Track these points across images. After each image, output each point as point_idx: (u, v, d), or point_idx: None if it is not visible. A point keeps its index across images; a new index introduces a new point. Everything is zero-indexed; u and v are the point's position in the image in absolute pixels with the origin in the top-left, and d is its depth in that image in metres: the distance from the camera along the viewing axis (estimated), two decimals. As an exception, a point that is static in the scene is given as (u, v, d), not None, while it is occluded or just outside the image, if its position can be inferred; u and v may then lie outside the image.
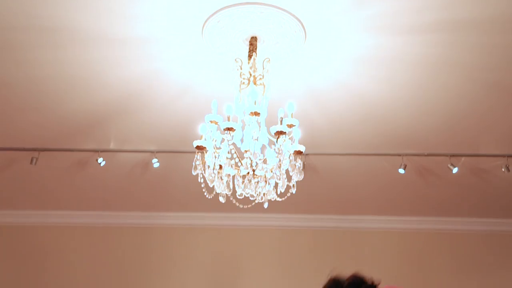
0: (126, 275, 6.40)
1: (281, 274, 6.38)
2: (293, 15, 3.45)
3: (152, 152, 5.30)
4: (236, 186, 3.47)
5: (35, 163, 5.18)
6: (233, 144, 3.31)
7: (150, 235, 6.62)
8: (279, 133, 3.19)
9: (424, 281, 6.30)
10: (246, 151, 3.25)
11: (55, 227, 6.64)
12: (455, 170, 5.13)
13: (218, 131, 3.36)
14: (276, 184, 3.52)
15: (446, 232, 6.54)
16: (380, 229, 6.59)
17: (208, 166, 3.33)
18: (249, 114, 3.21)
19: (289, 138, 3.29)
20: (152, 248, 6.56)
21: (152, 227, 6.64)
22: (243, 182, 3.45)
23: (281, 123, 3.21)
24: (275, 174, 3.35)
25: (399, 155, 5.19)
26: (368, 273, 6.63)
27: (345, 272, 2.53)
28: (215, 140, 3.35)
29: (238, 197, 3.69)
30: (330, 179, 5.75)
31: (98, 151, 5.26)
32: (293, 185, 3.48)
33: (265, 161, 3.39)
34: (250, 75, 3.50)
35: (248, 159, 3.23)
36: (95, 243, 6.59)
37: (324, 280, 2.68)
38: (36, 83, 4.25)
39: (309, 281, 6.38)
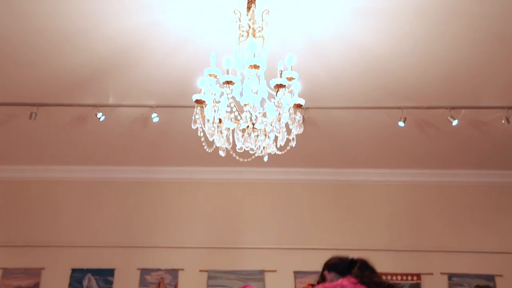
0: (127, 229, 6.50)
1: (280, 225, 6.47)
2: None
3: (151, 106, 5.29)
4: (236, 140, 3.47)
5: (35, 118, 5.17)
6: (233, 97, 3.29)
7: (151, 189, 6.68)
8: (279, 86, 3.17)
9: (421, 233, 6.39)
10: (245, 105, 3.23)
11: (55, 182, 6.70)
12: (455, 122, 5.12)
13: (218, 85, 3.33)
14: (276, 137, 3.52)
15: (444, 184, 6.60)
16: (379, 182, 6.64)
17: (208, 120, 3.32)
18: (249, 67, 3.18)
19: (289, 92, 3.26)
20: (153, 202, 6.63)
21: (153, 181, 6.70)
22: (242, 135, 3.45)
23: (280, 76, 3.18)
24: (275, 127, 3.35)
25: (399, 108, 5.18)
26: (367, 225, 6.73)
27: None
28: (215, 94, 3.32)
29: (238, 151, 3.69)
30: (329, 132, 5.75)
31: (97, 106, 5.24)
32: (293, 139, 3.49)
33: (264, 115, 3.38)
34: (249, 27, 3.44)
35: (248, 112, 3.21)
36: (96, 198, 6.66)
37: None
38: (34, 35, 4.19)
39: (307, 233, 6.51)
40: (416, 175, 6.59)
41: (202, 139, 3.53)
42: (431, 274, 6.18)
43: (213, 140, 3.49)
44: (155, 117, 5.27)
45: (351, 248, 6.26)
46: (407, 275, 6.20)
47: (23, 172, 6.68)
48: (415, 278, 6.18)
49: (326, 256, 6.25)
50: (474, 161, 6.33)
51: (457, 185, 6.59)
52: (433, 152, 6.11)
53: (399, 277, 6.19)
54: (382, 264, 6.19)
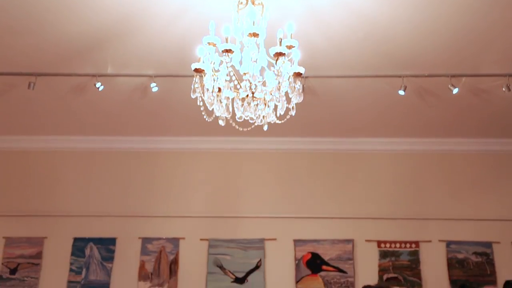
0: (128, 199, 6.54)
1: (280, 194, 6.51)
2: None
3: (150, 76, 5.25)
4: (235, 109, 3.47)
5: (33, 88, 5.15)
6: (232, 66, 3.27)
7: (152, 159, 6.69)
8: (278, 54, 3.14)
9: (420, 201, 6.43)
10: (245, 74, 3.21)
11: (56, 152, 6.71)
12: (455, 90, 5.10)
13: (217, 53, 3.31)
14: (276, 106, 3.52)
15: (444, 153, 6.61)
16: (379, 151, 6.65)
17: (207, 89, 3.31)
18: (248, 36, 3.15)
19: (289, 60, 3.24)
20: (154, 172, 6.66)
21: (154, 151, 6.71)
22: (242, 104, 3.44)
23: (280, 44, 3.15)
24: (275, 96, 3.34)
25: (399, 76, 5.15)
26: (366, 194, 6.76)
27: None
28: (214, 63, 3.30)
29: (238, 120, 3.69)
30: (329, 101, 5.73)
31: (96, 76, 5.21)
32: (293, 107, 3.48)
33: (264, 84, 3.36)
34: (248, -6, 3.40)
35: (247, 81, 3.20)
36: (96, 168, 6.68)
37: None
38: (33, 4, 4.13)
39: (307, 202, 6.55)
40: (415, 143, 6.59)
41: (202, 109, 3.52)
42: (430, 241, 6.24)
43: (213, 109, 3.48)
44: (154, 87, 5.24)
45: (350, 216, 6.35)
46: (405, 242, 6.27)
47: (24, 143, 6.69)
48: (413, 245, 6.25)
49: (325, 225, 6.35)
50: (474, 130, 6.33)
51: (457, 154, 6.60)
52: (433, 120, 6.10)
53: (397, 245, 6.25)
54: (381, 232, 6.30)
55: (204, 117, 3.60)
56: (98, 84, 5.19)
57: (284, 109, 3.43)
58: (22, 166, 6.69)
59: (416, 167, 6.59)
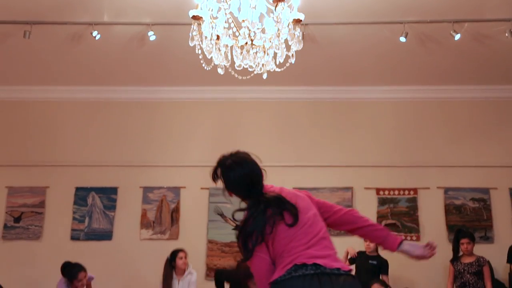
0: (129, 148, 6.56)
1: (280, 143, 6.53)
2: None
3: (147, 24, 5.17)
4: (234, 57, 3.43)
5: (29, 36, 5.08)
6: (230, 13, 3.21)
7: (153, 109, 6.68)
8: (278, 0, 3.08)
9: (419, 149, 6.45)
10: (243, 21, 3.16)
11: (56, 103, 6.69)
12: (457, 36, 5.03)
13: (215, 0, 3.24)
14: (275, 54, 3.48)
15: (444, 100, 6.58)
16: (379, 100, 6.62)
17: (205, 37, 3.26)
18: (246, -19, 3.08)
19: (288, 6, 3.18)
20: (154, 122, 6.65)
21: (154, 101, 6.68)
22: (241, 52, 3.40)
23: (279, -10, 3.09)
24: (274, 43, 3.30)
25: (401, 22, 5.07)
26: (366, 142, 6.77)
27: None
28: (212, 9, 3.24)
29: (237, 69, 3.66)
30: (329, 49, 5.66)
31: (92, 24, 5.13)
32: (292, 55, 3.44)
33: (263, 31, 3.31)
34: None
35: (246, 28, 3.15)
36: (98, 118, 6.68)
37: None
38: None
39: (307, 151, 6.58)
40: (416, 91, 6.56)
41: (200, 57, 3.49)
42: (428, 188, 6.31)
43: (211, 57, 3.45)
44: (151, 35, 5.17)
45: (349, 165, 6.39)
46: (404, 189, 6.33)
47: (24, 93, 6.66)
48: (412, 192, 6.32)
49: (325, 173, 6.40)
50: (475, 76, 6.28)
51: (457, 101, 6.58)
52: (433, 67, 6.05)
53: (396, 192, 6.32)
54: (380, 180, 6.36)
55: (203, 65, 3.57)
56: (94, 33, 5.12)
57: (284, 56, 3.39)
58: (22, 117, 6.69)
59: (415, 115, 6.58)
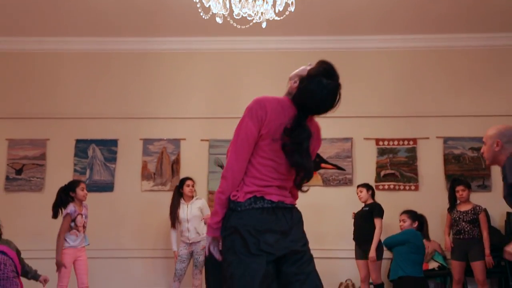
0: (129, 100, 6.54)
1: (281, 93, 6.49)
2: None
3: (144, -28, 5.07)
4: (233, 5, 3.38)
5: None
6: (228, -41, 3.14)
7: (152, 60, 6.62)
8: None
9: (419, 99, 6.44)
10: (242, -33, 3.09)
11: (55, 54, 6.63)
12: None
13: None
14: (274, 2, 3.42)
15: (444, 49, 6.52)
16: (378, 49, 6.56)
17: (203, -15, 3.20)
18: None
19: (287, -48, 3.11)
20: (154, 74, 6.61)
21: (153, 52, 6.62)
22: (240, 1, 3.35)
23: None
24: (273, -9, 3.24)
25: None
26: (366, 93, 6.75)
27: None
28: (209, -44, 3.17)
29: (236, 17, 3.61)
30: (329, -3, 5.57)
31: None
32: (292, 3, 3.39)
33: (262, -22, 3.25)
34: None
35: (245, -25, 3.09)
36: (97, 70, 6.63)
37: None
38: None
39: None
40: (415, 40, 6.49)
41: (198, 5, 3.43)
42: (427, 138, 6.33)
43: (209, 6, 3.39)
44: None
45: (350, 115, 6.38)
46: (403, 140, 6.36)
47: (22, 44, 6.60)
48: (411, 142, 6.35)
49: (324, 123, 6.38)
50: (477, 24, 6.19)
51: (457, 50, 6.52)
52: (434, 15, 5.96)
53: (395, 142, 6.35)
54: (380, 130, 6.37)
55: (201, 14, 3.52)
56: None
57: (283, 5, 3.34)
58: (21, 68, 6.64)
59: (415, 65, 6.54)
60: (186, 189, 5.62)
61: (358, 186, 5.63)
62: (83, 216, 4.88)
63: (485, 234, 5.30)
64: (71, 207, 4.83)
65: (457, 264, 5.33)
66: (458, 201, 5.49)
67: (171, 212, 5.60)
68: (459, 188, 5.45)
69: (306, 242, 2.33)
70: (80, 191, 4.87)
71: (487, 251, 5.24)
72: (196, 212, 5.52)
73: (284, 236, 2.24)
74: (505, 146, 3.16)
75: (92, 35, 6.48)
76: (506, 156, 3.20)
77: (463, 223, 5.35)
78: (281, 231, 2.24)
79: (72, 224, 4.79)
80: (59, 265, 4.70)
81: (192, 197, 5.65)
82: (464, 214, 5.37)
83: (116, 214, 6.29)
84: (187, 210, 5.53)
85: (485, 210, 5.50)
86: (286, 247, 2.23)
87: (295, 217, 2.32)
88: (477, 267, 5.24)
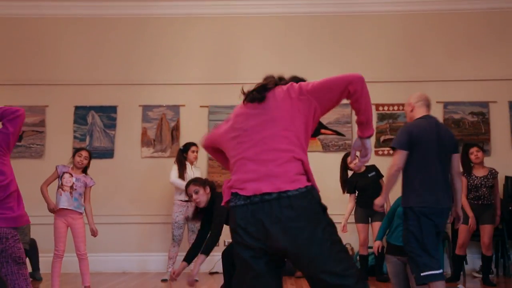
0: (128, 66, 6.50)
1: (278, 59, 6.45)
2: None
3: None
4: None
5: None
6: None
7: (150, 26, 6.56)
8: None
9: (419, 64, 6.39)
10: None
11: (54, 19, 6.57)
12: None
13: None
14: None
15: (444, 12, 6.44)
16: (378, 13, 6.48)
17: None
18: None
19: None
20: (152, 39, 6.55)
21: (152, 17, 6.55)
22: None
23: None
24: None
25: None
26: (365, 58, 6.67)
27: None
28: None
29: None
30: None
31: None
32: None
33: None
34: None
35: None
36: (96, 35, 6.57)
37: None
38: None
39: (306, 66, 6.50)
40: (415, 3, 6.42)
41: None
42: (427, 103, 6.30)
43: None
44: None
45: (349, 80, 6.35)
46: (403, 105, 6.31)
47: (18, 9, 6.53)
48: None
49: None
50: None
51: (457, 13, 6.44)
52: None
53: (395, 107, 6.33)
54: (380, 96, 6.35)
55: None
56: None
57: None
58: (19, 34, 6.58)
59: (415, 29, 6.47)
60: (191, 155, 5.67)
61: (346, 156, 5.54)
62: (74, 177, 4.76)
63: (498, 198, 5.29)
64: (62, 165, 4.81)
65: (465, 228, 5.14)
66: (472, 164, 5.34)
67: (179, 168, 5.60)
68: (474, 149, 5.31)
69: None
70: (77, 157, 4.81)
71: (498, 212, 5.25)
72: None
73: None
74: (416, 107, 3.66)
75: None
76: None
77: (484, 189, 5.24)
78: None
79: (59, 183, 4.74)
80: (53, 211, 4.68)
81: (194, 163, 5.74)
82: (485, 180, 5.25)
83: (116, 181, 6.32)
84: (190, 173, 5.55)
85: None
86: None
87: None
88: (488, 230, 5.19)
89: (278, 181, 1.92)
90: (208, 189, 4.02)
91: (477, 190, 5.27)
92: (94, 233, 4.81)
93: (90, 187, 4.86)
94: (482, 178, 5.27)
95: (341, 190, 5.80)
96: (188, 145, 5.71)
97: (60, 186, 4.73)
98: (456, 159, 3.66)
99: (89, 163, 4.89)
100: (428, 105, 3.70)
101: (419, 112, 3.65)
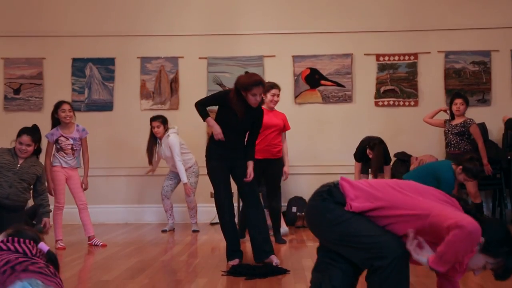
0: (125, 18, 6.38)
1: (279, 10, 6.33)
2: None
3: None
4: None
5: None
6: None
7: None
8: None
9: (420, 13, 6.26)
10: None
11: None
12: None
13: None
14: None
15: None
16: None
17: None
18: None
19: None
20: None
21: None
22: None
23: None
24: None
25: None
26: (365, 7, 6.53)
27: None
28: None
29: None
30: None
31: None
32: None
33: None
34: None
35: None
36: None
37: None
38: None
39: (306, 16, 6.39)
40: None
41: None
42: (429, 53, 6.24)
43: None
44: None
45: (350, 30, 6.28)
46: (404, 55, 6.27)
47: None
48: (412, 57, 6.26)
49: (324, 40, 6.30)
50: None
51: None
52: None
53: (396, 58, 6.26)
54: (380, 46, 6.28)
55: None
56: None
57: None
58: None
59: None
60: (155, 130, 5.57)
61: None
62: (70, 139, 4.70)
63: (480, 144, 5.33)
64: (50, 132, 4.71)
65: None
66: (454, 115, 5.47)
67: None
68: (458, 101, 5.42)
69: None
70: (61, 113, 4.65)
71: (484, 160, 5.28)
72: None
73: None
74: None
75: None
76: None
77: (450, 136, 5.40)
78: None
79: (58, 146, 4.69)
80: (49, 192, 4.67)
81: (162, 136, 5.57)
82: (453, 127, 5.39)
83: (116, 133, 6.34)
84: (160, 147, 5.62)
85: (484, 124, 5.48)
86: None
87: None
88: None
89: None
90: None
91: (446, 138, 5.46)
92: (85, 186, 4.85)
93: (85, 137, 4.84)
94: (452, 126, 5.41)
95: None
96: (150, 120, 5.60)
97: (61, 150, 4.70)
98: None
99: (74, 114, 4.78)
100: None
101: None
